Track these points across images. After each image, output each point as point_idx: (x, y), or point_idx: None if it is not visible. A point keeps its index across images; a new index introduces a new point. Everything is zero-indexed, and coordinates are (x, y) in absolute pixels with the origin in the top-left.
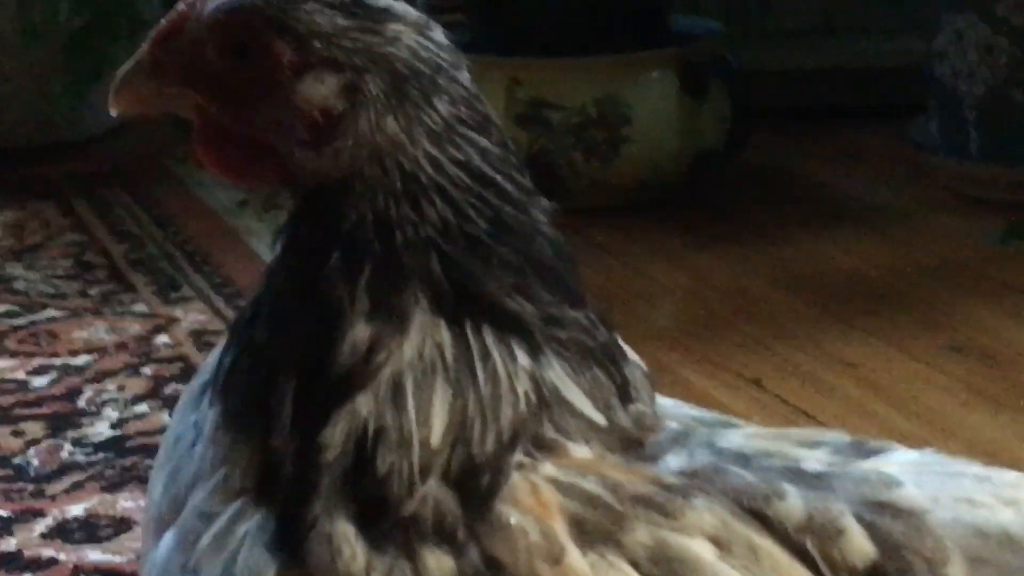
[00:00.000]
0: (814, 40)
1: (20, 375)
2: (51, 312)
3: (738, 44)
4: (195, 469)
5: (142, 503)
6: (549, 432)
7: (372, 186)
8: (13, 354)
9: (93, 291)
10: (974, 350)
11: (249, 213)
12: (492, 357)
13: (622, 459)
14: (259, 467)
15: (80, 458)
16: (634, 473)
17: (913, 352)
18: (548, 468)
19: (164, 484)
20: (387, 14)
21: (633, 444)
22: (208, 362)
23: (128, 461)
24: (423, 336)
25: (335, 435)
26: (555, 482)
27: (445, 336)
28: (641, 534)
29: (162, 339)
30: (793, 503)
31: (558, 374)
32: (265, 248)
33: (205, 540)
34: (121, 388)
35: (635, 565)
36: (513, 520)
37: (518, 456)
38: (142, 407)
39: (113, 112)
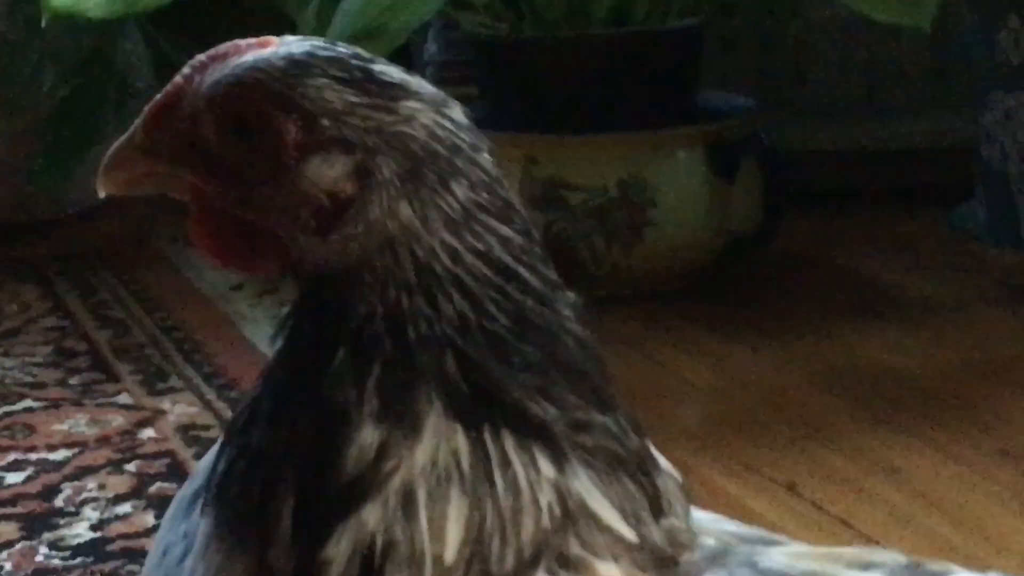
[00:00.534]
0: (853, 118)
1: None
2: (28, 403)
3: (771, 121)
4: None
5: None
6: (574, 548)
7: (383, 277)
8: None
9: (74, 380)
10: None
11: (243, 298)
12: (513, 465)
13: None
14: None
15: (57, 562)
16: None
17: (961, 456)
18: None
19: None
20: (402, 90)
21: (666, 562)
22: (200, 466)
23: (109, 566)
24: (437, 441)
25: (339, 550)
26: None
27: (461, 442)
28: None
29: (148, 433)
30: None
31: (585, 485)
32: (260, 336)
33: None
34: (102, 486)
35: None
36: None
37: (540, 575)
38: (125, 507)
39: (101, 193)
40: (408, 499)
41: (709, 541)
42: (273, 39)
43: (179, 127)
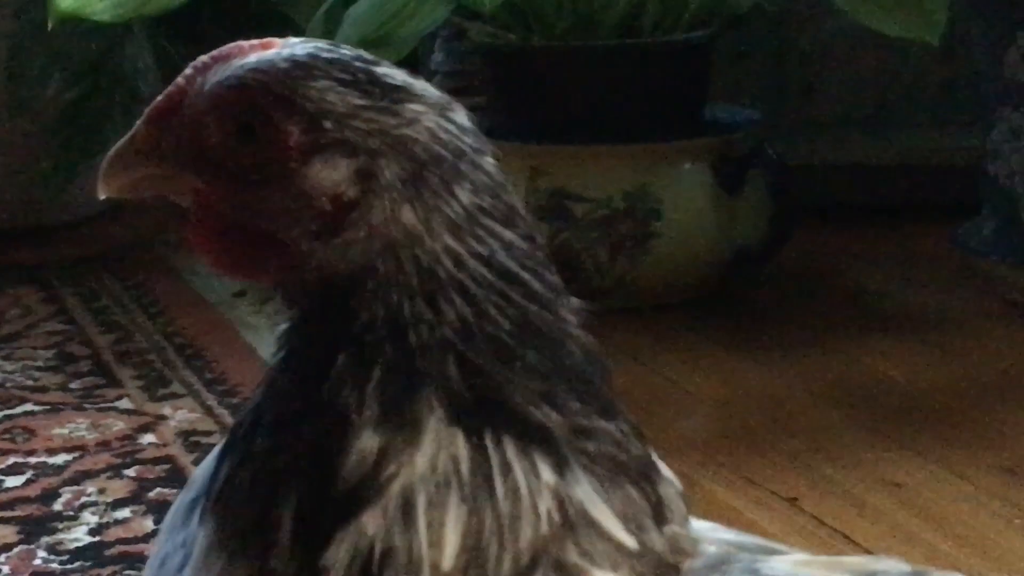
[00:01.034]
0: (861, 132)
1: None
2: (29, 406)
3: (778, 135)
4: None
5: None
6: (573, 556)
7: (385, 282)
8: None
9: (75, 384)
10: None
11: (246, 305)
12: (513, 471)
13: None
14: None
15: (55, 566)
16: None
17: (964, 473)
18: None
19: None
20: (405, 93)
21: (668, 570)
22: (198, 475)
23: (107, 571)
24: (437, 447)
25: (339, 556)
26: None
27: (462, 448)
28: None
29: (148, 438)
30: None
31: (585, 491)
32: (262, 343)
33: None
34: (102, 491)
35: None
36: None
37: None
38: (124, 512)
39: (102, 195)
40: (407, 505)
41: (711, 548)
42: (276, 40)
43: (181, 129)
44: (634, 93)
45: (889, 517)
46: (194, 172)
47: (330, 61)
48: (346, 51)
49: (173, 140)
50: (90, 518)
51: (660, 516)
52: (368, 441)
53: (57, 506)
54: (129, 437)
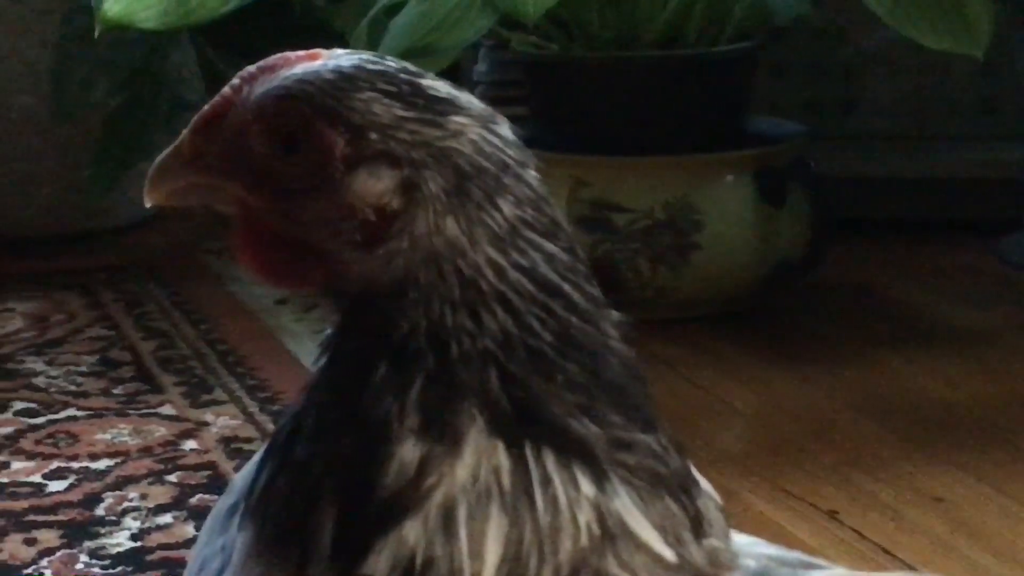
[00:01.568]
0: (901, 146)
1: (36, 479)
2: (72, 411)
3: (820, 148)
4: None
5: None
6: (612, 568)
7: (427, 293)
8: (29, 456)
9: (118, 390)
10: None
11: (288, 312)
12: (553, 484)
13: None
14: None
15: (97, 571)
16: None
17: (1006, 488)
18: None
19: None
20: (450, 105)
21: None
22: (238, 480)
23: None
24: (478, 458)
25: (379, 565)
26: None
27: (503, 459)
28: None
29: (190, 444)
30: None
31: (624, 504)
32: (304, 350)
33: None
34: (144, 496)
35: None
36: None
37: None
38: (166, 518)
39: (148, 203)
40: (448, 515)
41: (750, 563)
42: (322, 52)
43: (226, 139)
44: (676, 104)
45: (929, 531)
46: (239, 182)
47: (375, 73)
48: (391, 63)
49: (219, 150)
50: (132, 523)
51: (699, 530)
52: (409, 451)
53: (99, 511)
54: (171, 443)
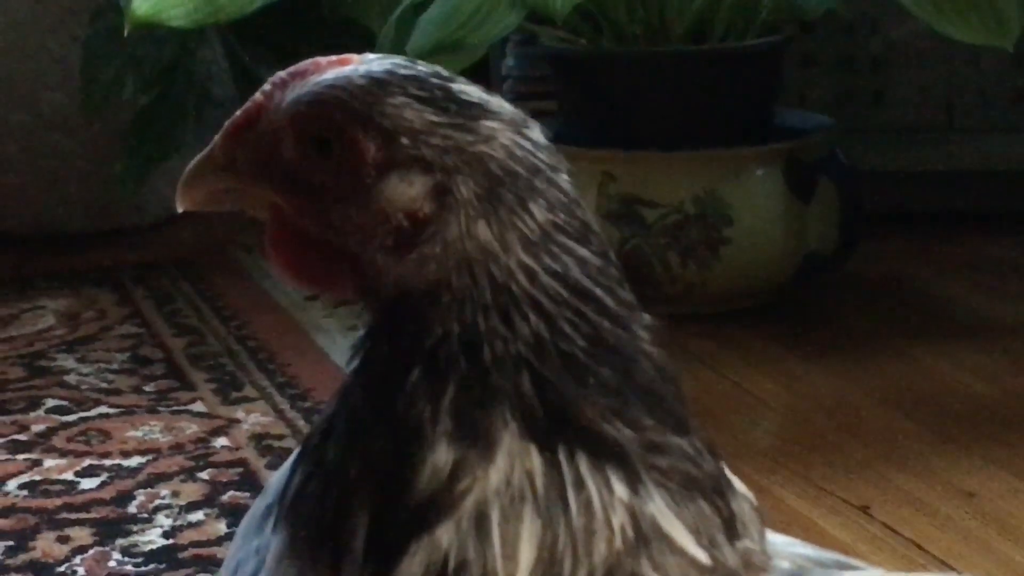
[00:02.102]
0: (932, 138)
1: (68, 476)
2: (103, 409)
3: (849, 141)
4: None
5: None
6: (646, 570)
7: (460, 297)
8: (62, 453)
9: (149, 387)
10: None
11: (318, 308)
12: (587, 487)
13: None
14: None
15: (129, 568)
16: None
17: None
18: None
19: None
20: (481, 110)
21: None
22: (272, 482)
23: (180, 573)
24: (511, 462)
25: (412, 568)
26: None
27: (536, 462)
28: None
29: (221, 442)
30: None
31: (658, 507)
32: (334, 346)
33: None
34: (176, 494)
35: None
36: None
37: None
38: (197, 515)
39: (180, 208)
40: (481, 519)
41: (784, 564)
42: (353, 57)
43: (258, 144)
44: (705, 99)
45: (962, 526)
46: (271, 186)
47: (407, 78)
48: (423, 68)
49: (250, 155)
50: (164, 521)
51: (732, 531)
52: (442, 455)
53: (131, 508)
54: (202, 440)
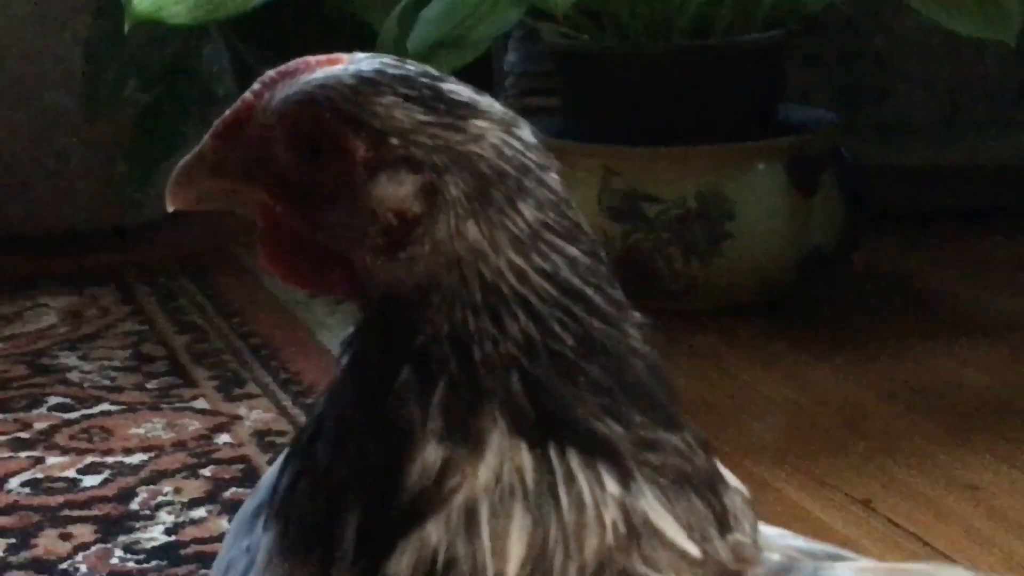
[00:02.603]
0: (936, 134)
1: (70, 473)
2: (105, 406)
3: (853, 137)
4: None
5: None
6: (638, 565)
7: (449, 297)
8: (64, 451)
9: (151, 385)
10: None
11: (320, 306)
12: (578, 482)
13: None
14: None
15: (131, 565)
16: None
17: None
18: None
19: None
20: (471, 109)
21: None
22: (262, 482)
23: (183, 570)
24: (501, 459)
25: (402, 565)
26: None
27: (526, 459)
28: None
29: (223, 438)
30: None
31: (650, 503)
32: (337, 343)
33: None
34: (178, 490)
35: None
36: None
37: None
38: (200, 511)
39: (170, 208)
40: (471, 515)
41: (774, 557)
42: (343, 56)
43: (248, 144)
44: (707, 94)
45: (965, 520)
46: (260, 186)
47: (396, 77)
48: (412, 67)
49: (240, 155)
50: (166, 517)
51: (724, 525)
52: (431, 453)
53: (134, 505)
54: (205, 437)
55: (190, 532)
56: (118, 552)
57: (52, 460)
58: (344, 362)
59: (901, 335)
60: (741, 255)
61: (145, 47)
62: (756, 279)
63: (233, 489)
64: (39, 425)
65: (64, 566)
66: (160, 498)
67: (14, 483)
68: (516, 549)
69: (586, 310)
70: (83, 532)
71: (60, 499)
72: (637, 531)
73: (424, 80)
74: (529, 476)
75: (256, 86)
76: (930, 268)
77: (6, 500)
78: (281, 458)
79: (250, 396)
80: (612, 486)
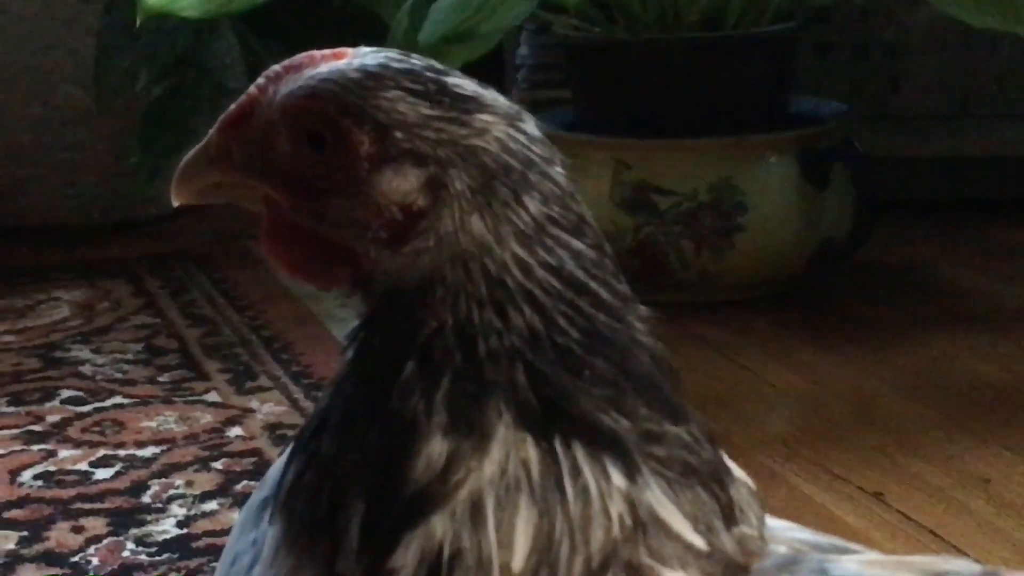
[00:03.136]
0: (948, 125)
1: (83, 466)
2: (118, 399)
3: (864, 128)
4: None
5: None
6: (643, 557)
7: (454, 290)
8: (76, 444)
9: (163, 378)
10: None
11: (332, 299)
12: (583, 475)
13: None
14: None
15: (143, 558)
16: None
17: None
18: None
19: None
20: (475, 103)
21: (736, 571)
22: (269, 475)
23: (194, 563)
24: (506, 452)
25: (407, 558)
26: None
27: (531, 452)
28: None
29: (235, 431)
30: None
31: (656, 495)
32: None
33: None
34: (190, 483)
35: None
36: None
37: None
38: (211, 504)
39: (176, 203)
40: (476, 508)
41: (780, 549)
42: (348, 51)
43: (253, 138)
44: (719, 86)
45: (976, 513)
46: (265, 180)
47: (401, 71)
48: (417, 61)
49: (245, 149)
50: (178, 510)
51: (730, 517)
52: (437, 446)
53: (146, 498)
54: (216, 430)
55: (202, 525)
56: (130, 545)
57: (64, 453)
58: (349, 355)
59: (912, 326)
60: (753, 247)
61: (156, 40)
62: (768, 271)
63: (245, 482)
64: (52, 418)
65: (76, 559)
66: (172, 491)
67: (27, 476)
68: (522, 541)
69: (591, 303)
70: (95, 525)
71: (72, 492)
72: (643, 523)
73: (429, 74)
74: (535, 469)
75: (261, 81)
76: (941, 259)
77: (19, 493)
78: (287, 451)
79: (262, 389)
80: (618, 479)
